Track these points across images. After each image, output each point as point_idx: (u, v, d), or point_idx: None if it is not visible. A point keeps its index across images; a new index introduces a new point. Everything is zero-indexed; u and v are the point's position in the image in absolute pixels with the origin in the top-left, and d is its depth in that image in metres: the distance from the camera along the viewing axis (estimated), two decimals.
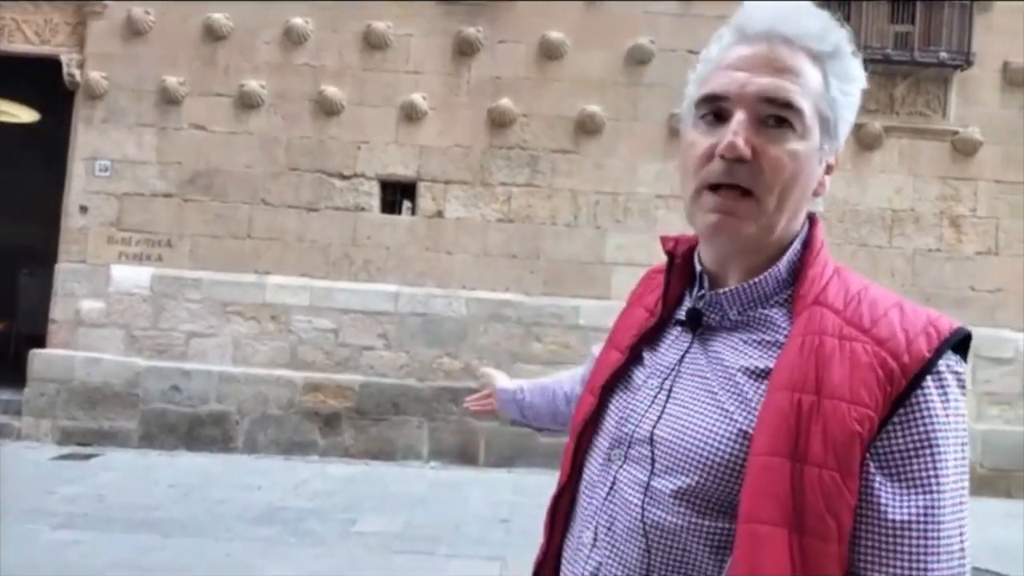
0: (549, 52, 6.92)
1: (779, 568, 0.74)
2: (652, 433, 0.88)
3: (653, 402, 0.91)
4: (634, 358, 0.97)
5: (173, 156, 6.96)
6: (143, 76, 6.94)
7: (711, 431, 0.84)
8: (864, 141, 6.88)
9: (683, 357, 0.92)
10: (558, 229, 6.95)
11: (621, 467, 0.91)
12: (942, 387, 0.78)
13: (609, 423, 0.95)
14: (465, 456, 6.66)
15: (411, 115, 6.93)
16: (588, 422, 0.98)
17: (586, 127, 6.92)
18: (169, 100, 6.93)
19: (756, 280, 0.89)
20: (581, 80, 6.94)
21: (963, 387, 0.81)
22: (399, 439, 6.68)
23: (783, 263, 0.89)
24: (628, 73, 6.97)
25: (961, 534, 0.77)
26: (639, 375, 0.95)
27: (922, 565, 0.75)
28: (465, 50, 6.94)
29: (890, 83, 6.91)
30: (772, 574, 0.74)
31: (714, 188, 0.86)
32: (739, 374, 0.85)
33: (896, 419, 0.77)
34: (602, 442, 0.95)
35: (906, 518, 0.75)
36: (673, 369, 0.92)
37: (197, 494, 5.41)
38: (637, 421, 0.91)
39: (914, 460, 0.76)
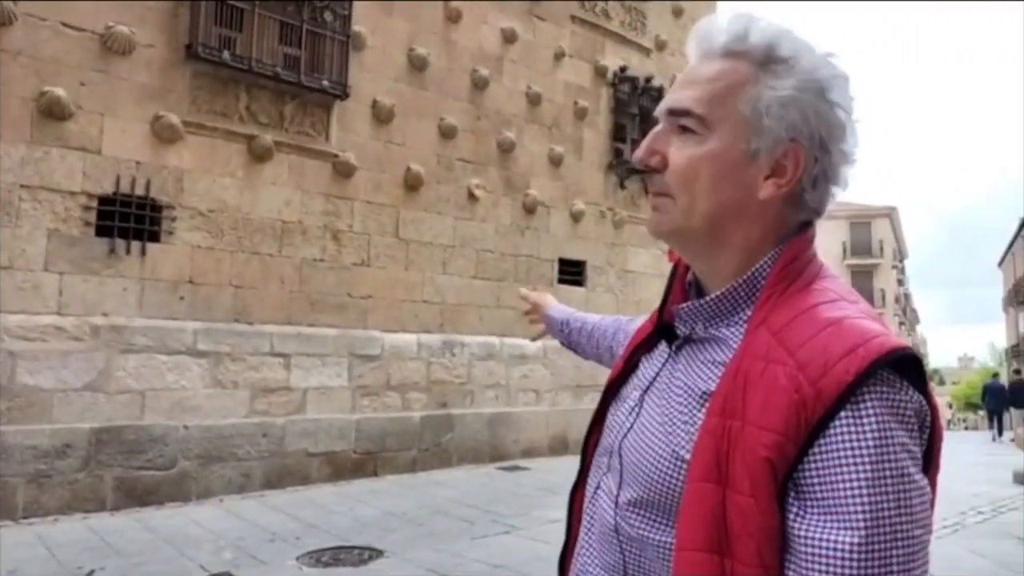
0: None
1: None
2: (620, 445, 0.93)
3: (629, 414, 0.94)
4: (634, 366, 1.00)
5: None
6: None
7: (653, 450, 0.87)
8: (256, 152, 7.10)
9: (659, 371, 0.94)
10: None
11: (604, 474, 0.96)
12: (860, 414, 0.72)
13: (604, 428, 1.00)
14: None
15: None
16: (595, 422, 1.03)
17: None
18: None
19: (717, 295, 0.88)
20: None
21: (898, 411, 0.74)
22: None
23: (746, 278, 0.87)
24: None
25: (888, 566, 0.69)
26: (630, 385, 0.99)
27: None
28: None
29: (280, 100, 7.30)
30: None
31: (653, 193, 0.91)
32: (687, 394, 0.86)
33: (814, 448, 0.73)
34: (599, 446, 1.00)
35: (820, 549, 0.71)
36: (651, 383, 0.94)
37: None
38: (617, 432, 0.95)
39: (826, 490, 0.72)
